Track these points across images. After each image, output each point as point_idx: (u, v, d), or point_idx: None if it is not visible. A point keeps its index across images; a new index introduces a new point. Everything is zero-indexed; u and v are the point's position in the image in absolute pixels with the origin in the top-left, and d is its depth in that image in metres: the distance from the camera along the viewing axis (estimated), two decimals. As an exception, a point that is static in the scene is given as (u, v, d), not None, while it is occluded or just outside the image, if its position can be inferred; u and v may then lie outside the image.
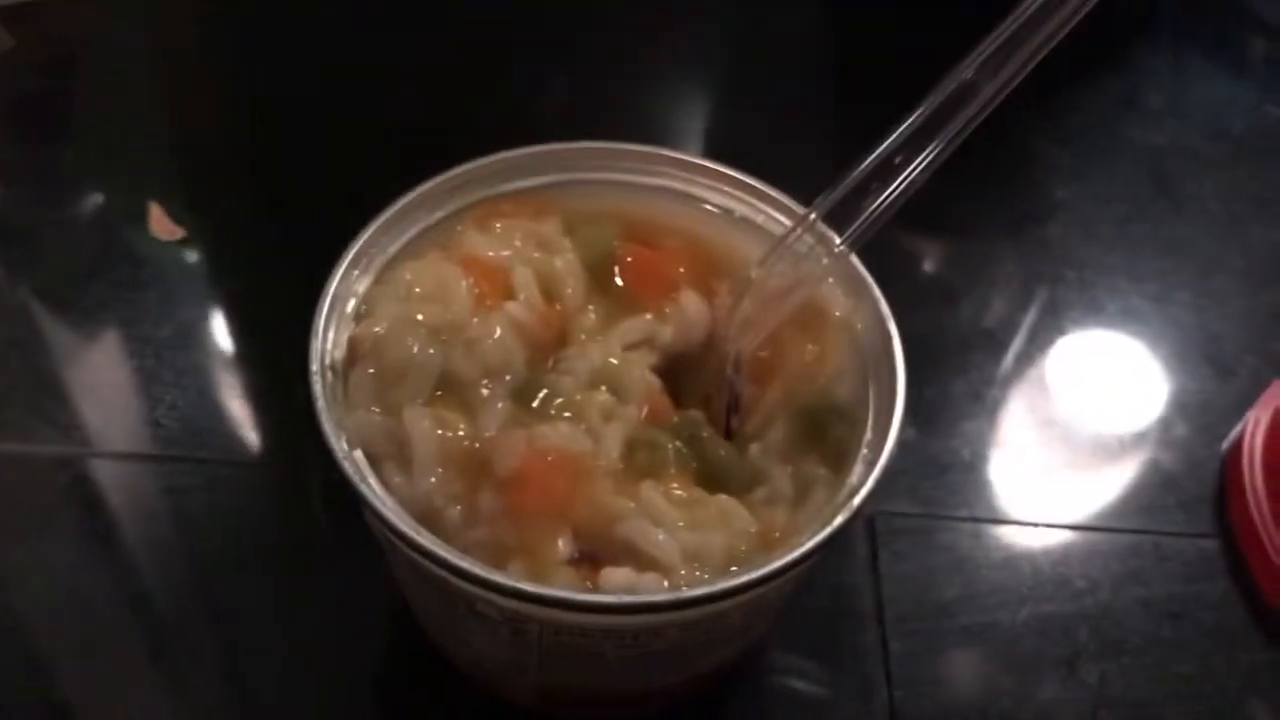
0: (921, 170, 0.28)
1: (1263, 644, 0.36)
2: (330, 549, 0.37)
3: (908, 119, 0.28)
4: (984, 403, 0.42)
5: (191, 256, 0.44)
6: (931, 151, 0.28)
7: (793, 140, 0.49)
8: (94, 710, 0.33)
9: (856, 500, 0.27)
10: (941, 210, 0.48)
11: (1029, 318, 0.45)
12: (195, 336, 0.42)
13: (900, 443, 0.39)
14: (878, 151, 0.29)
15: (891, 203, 0.29)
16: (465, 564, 0.25)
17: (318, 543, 0.37)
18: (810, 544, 0.26)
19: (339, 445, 0.26)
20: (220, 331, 0.42)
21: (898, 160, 0.29)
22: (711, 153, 0.33)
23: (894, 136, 0.28)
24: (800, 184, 0.31)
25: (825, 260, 0.30)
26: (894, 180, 0.29)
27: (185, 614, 0.35)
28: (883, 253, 0.45)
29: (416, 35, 0.55)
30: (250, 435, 0.39)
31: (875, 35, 0.56)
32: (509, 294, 0.30)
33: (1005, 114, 0.51)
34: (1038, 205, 0.50)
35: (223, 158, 0.50)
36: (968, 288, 0.46)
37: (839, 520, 0.26)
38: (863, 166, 0.29)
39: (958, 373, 0.43)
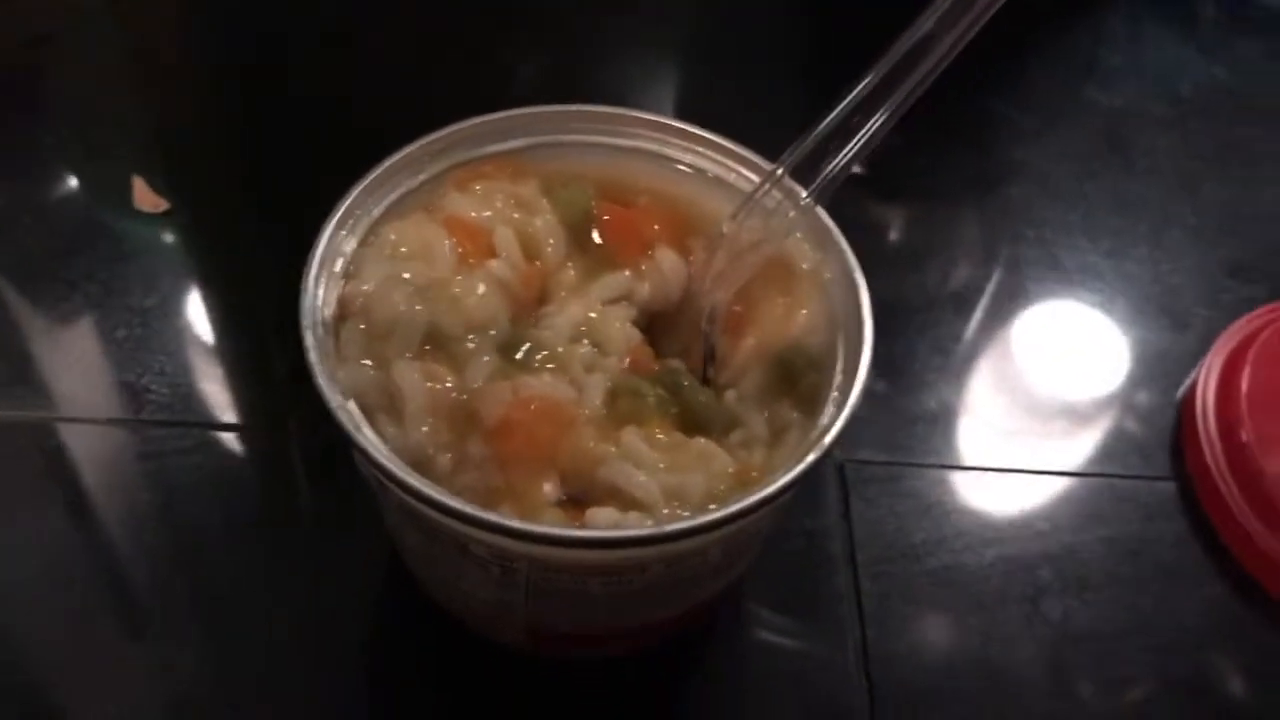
0: (881, 124, 0.30)
1: (1216, 578, 0.38)
2: (313, 508, 0.38)
3: (867, 76, 0.29)
4: (949, 357, 0.43)
5: (176, 228, 0.45)
6: (890, 106, 0.29)
7: (764, 102, 0.51)
8: (77, 676, 0.34)
9: (827, 439, 0.28)
10: (906, 175, 0.50)
11: (992, 276, 0.47)
12: (180, 306, 0.42)
13: (870, 396, 0.41)
14: (840, 108, 0.30)
15: (854, 156, 0.30)
16: (456, 504, 0.26)
17: (301, 503, 0.39)
18: (784, 480, 0.27)
19: (333, 396, 0.28)
20: (205, 300, 0.43)
21: (858, 116, 0.30)
22: (684, 116, 0.34)
23: (854, 93, 0.30)
24: (771, 144, 0.32)
25: (792, 214, 0.31)
26: (856, 135, 0.30)
27: (170, 575, 0.36)
28: (852, 218, 0.47)
29: (393, 6, 0.56)
30: (235, 400, 0.40)
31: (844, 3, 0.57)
32: (491, 253, 0.32)
33: (965, 77, 0.52)
34: (998, 167, 0.52)
35: (204, 130, 0.50)
36: (933, 250, 0.48)
37: (811, 458, 0.28)
38: (826, 123, 0.30)
39: (924, 330, 0.44)
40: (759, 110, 0.48)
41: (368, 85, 0.51)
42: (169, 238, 0.45)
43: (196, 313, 0.43)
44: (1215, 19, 0.60)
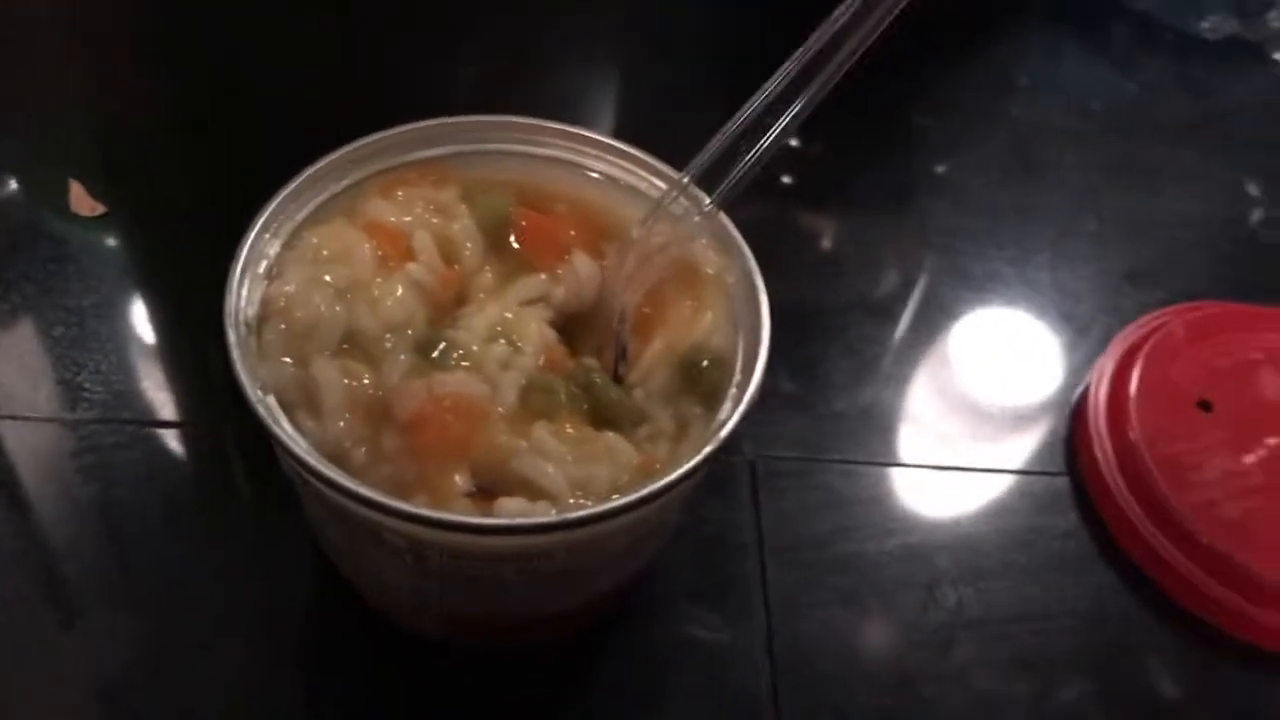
0: (780, 133, 0.31)
1: (1104, 568, 0.41)
2: (248, 503, 0.40)
3: (767, 87, 0.31)
4: (859, 358, 0.45)
5: (113, 231, 0.46)
6: (789, 116, 0.31)
7: (687, 115, 0.52)
8: (9, 664, 0.35)
9: (724, 432, 0.30)
10: (826, 186, 0.52)
11: (901, 283, 0.49)
12: (117, 306, 0.44)
13: (782, 397, 0.43)
14: (741, 117, 0.32)
15: (754, 163, 0.32)
16: (369, 493, 0.28)
17: (234, 498, 0.40)
18: (681, 470, 0.29)
19: (253, 391, 0.29)
20: (141, 301, 0.44)
21: (761, 123, 0.32)
22: (612, 128, 0.36)
23: (755, 102, 0.31)
24: (693, 151, 0.34)
25: (697, 219, 0.33)
26: (757, 143, 0.32)
27: (104, 567, 0.37)
28: (770, 226, 0.49)
29: (327, 17, 0.57)
30: (171, 398, 0.41)
31: (766, 16, 0.59)
32: (410, 256, 0.33)
33: (888, 92, 0.55)
34: (916, 179, 0.54)
35: (142, 134, 0.51)
36: (847, 258, 0.50)
37: (707, 450, 0.29)
38: (728, 132, 0.32)
39: (834, 334, 0.46)
40: (684, 124, 0.50)
41: (306, 90, 0.52)
42: (106, 241, 0.46)
43: (133, 313, 0.44)
44: (1129, 39, 0.63)
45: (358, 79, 0.53)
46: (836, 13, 0.31)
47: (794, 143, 0.55)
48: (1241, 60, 0.62)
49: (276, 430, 0.29)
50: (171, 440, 0.40)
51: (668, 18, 0.61)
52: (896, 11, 0.31)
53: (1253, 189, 0.55)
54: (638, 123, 0.54)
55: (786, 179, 0.53)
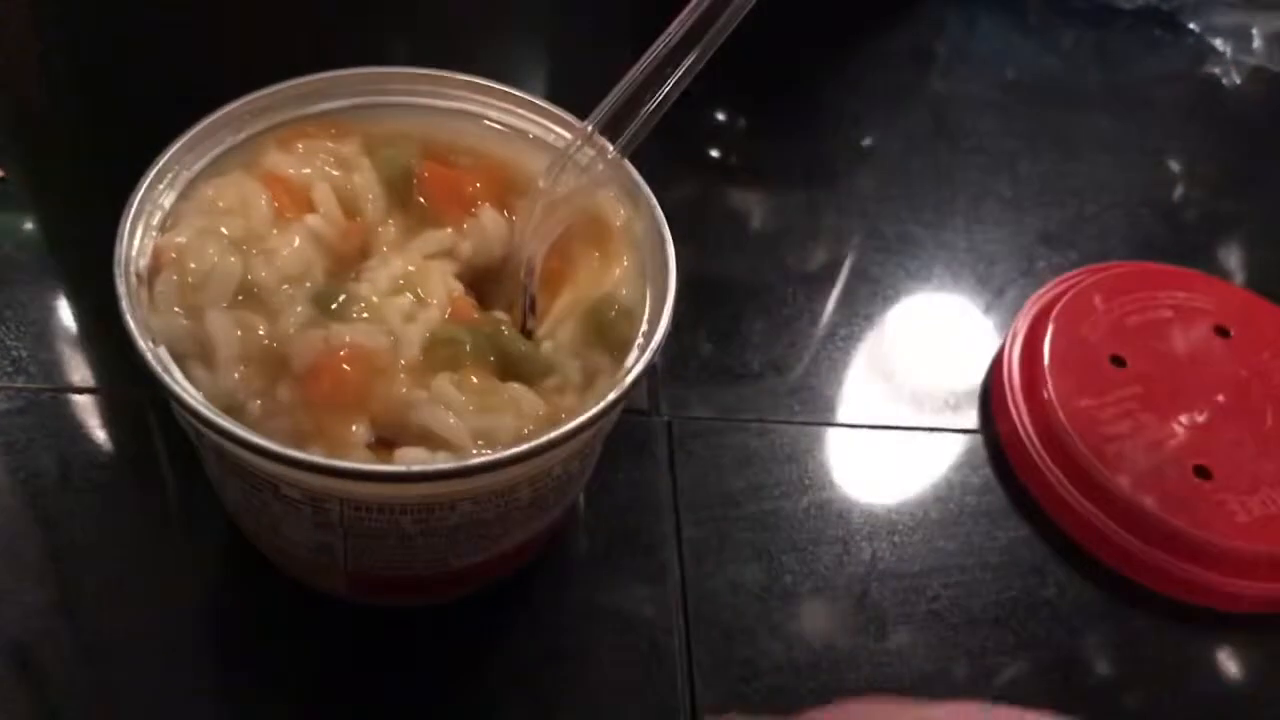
0: (681, 78, 0.31)
1: (1019, 522, 0.41)
2: (153, 467, 0.39)
3: (666, 35, 0.31)
4: (777, 322, 0.45)
5: (14, 195, 0.45)
6: (689, 60, 0.31)
7: (592, 67, 0.52)
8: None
9: (629, 379, 0.30)
10: (749, 158, 0.52)
11: (820, 250, 0.49)
12: (17, 271, 0.42)
13: (699, 358, 0.43)
14: (643, 64, 0.31)
15: (656, 109, 0.32)
16: (263, 442, 0.27)
17: (141, 462, 0.39)
18: (583, 418, 0.29)
19: (144, 342, 0.28)
20: (42, 265, 0.43)
21: (662, 72, 0.31)
22: (518, 81, 0.35)
23: (656, 49, 0.31)
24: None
25: (602, 168, 0.32)
26: (659, 90, 0.31)
27: (10, 535, 0.36)
28: (702, 202, 0.49)
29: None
30: (75, 363, 0.40)
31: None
32: (309, 209, 0.33)
33: (807, 66, 0.55)
34: (836, 149, 0.54)
35: (37, 95, 0.50)
36: (766, 226, 0.50)
37: (612, 395, 0.29)
38: (630, 79, 0.32)
39: (755, 300, 0.46)
40: (589, 72, 0.50)
41: (216, 53, 0.51)
42: (7, 205, 0.44)
43: (34, 280, 0.43)
44: (1045, 10, 0.64)
45: (270, 41, 0.52)
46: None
47: (719, 117, 0.55)
48: (1156, 30, 0.62)
49: (168, 380, 0.28)
50: (72, 406, 0.39)
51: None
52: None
53: (1165, 155, 0.56)
54: (548, 77, 0.54)
55: (712, 154, 0.53)
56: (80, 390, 0.40)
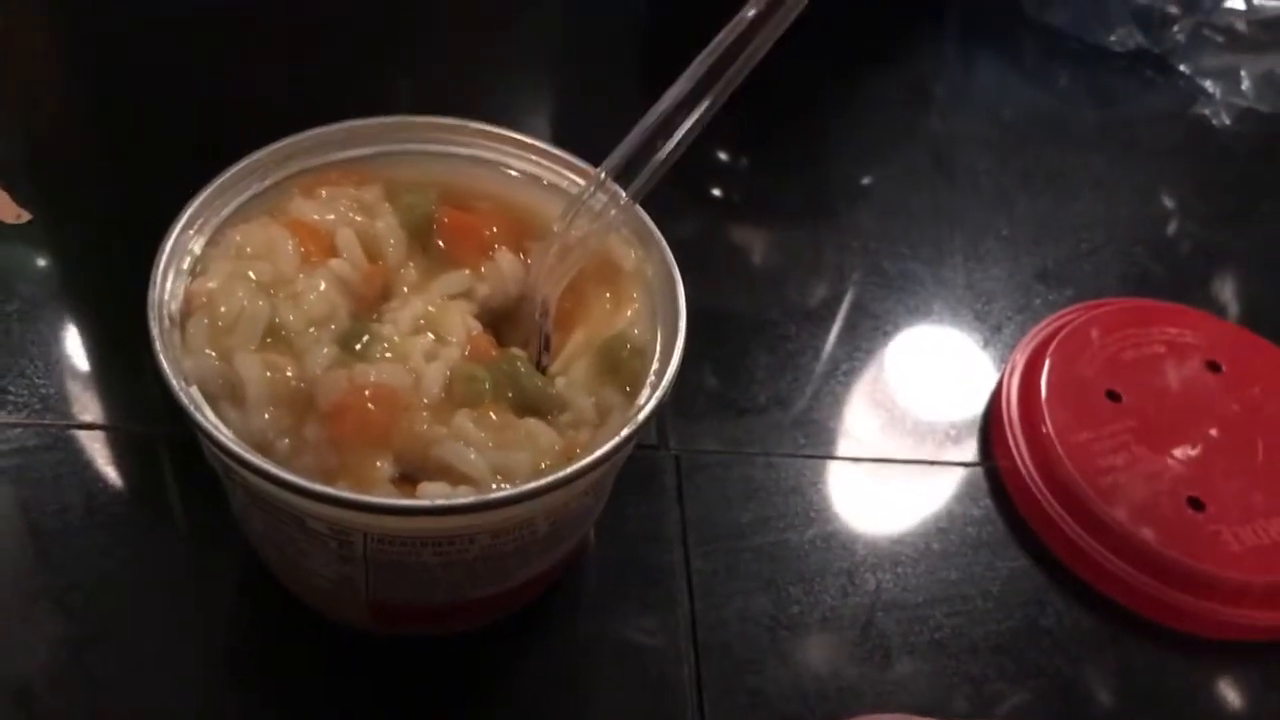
0: (693, 126, 0.32)
1: (1018, 552, 0.42)
2: (174, 503, 0.40)
3: (678, 84, 0.32)
4: (781, 357, 0.47)
5: (38, 236, 0.46)
6: (701, 108, 0.32)
7: (605, 115, 0.54)
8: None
9: (641, 415, 0.31)
10: (751, 195, 0.54)
11: (822, 286, 0.50)
12: (43, 310, 0.43)
13: (706, 393, 0.44)
14: (656, 111, 0.33)
15: (668, 157, 0.33)
16: (293, 478, 0.28)
17: (162, 498, 0.40)
18: (599, 453, 0.30)
19: (176, 381, 0.29)
20: (68, 304, 0.44)
21: (674, 119, 0.33)
22: (533, 129, 0.37)
23: (667, 100, 0.32)
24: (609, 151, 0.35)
25: (615, 213, 0.34)
26: (670, 138, 0.33)
27: (24, 568, 0.37)
28: (706, 239, 0.51)
29: (258, 25, 0.57)
30: (98, 400, 0.41)
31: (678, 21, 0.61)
32: (333, 253, 0.34)
33: (809, 105, 0.57)
34: (836, 187, 0.55)
35: (66, 141, 0.51)
36: (769, 262, 0.52)
37: (626, 431, 0.30)
38: (642, 128, 0.33)
39: (760, 334, 0.47)
40: (602, 120, 0.51)
41: (235, 98, 0.53)
42: (31, 246, 0.46)
43: (60, 318, 0.44)
44: (1040, 52, 0.65)
45: (285, 86, 0.54)
46: (741, 13, 0.33)
47: (722, 156, 0.56)
48: (1147, 71, 0.64)
49: (200, 419, 0.29)
50: (97, 442, 0.40)
51: (586, 24, 0.62)
52: (797, 12, 0.33)
53: (1158, 193, 0.58)
54: (559, 123, 0.55)
55: (715, 192, 0.55)
56: (104, 427, 0.41)
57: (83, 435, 0.40)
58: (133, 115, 0.52)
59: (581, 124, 0.55)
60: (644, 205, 0.34)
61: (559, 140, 0.37)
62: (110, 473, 0.40)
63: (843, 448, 0.44)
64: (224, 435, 0.29)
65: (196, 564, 0.38)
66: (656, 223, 0.35)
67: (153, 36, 0.56)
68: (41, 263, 0.46)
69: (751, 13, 0.32)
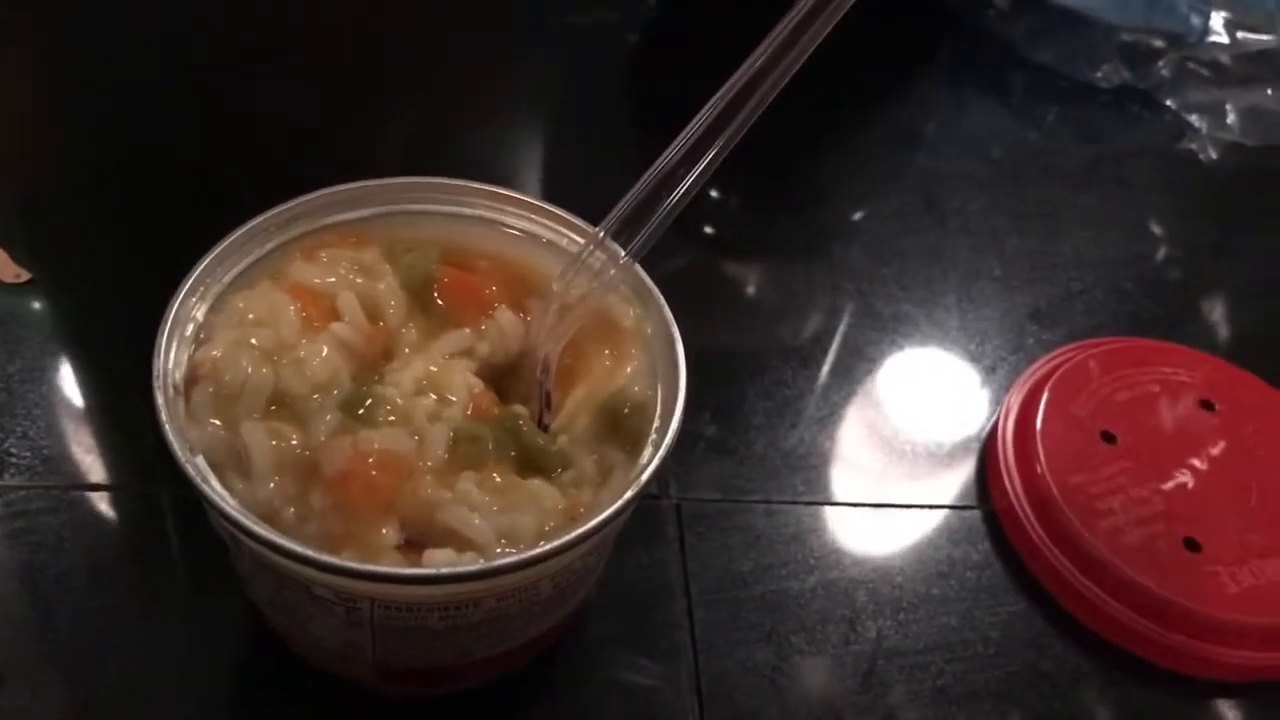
0: (688, 189, 0.33)
1: (1017, 596, 0.42)
2: (177, 565, 0.40)
3: (676, 144, 0.33)
4: (778, 401, 0.47)
5: (38, 297, 0.46)
6: (699, 168, 0.33)
7: (604, 173, 0.54)
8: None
9: (644, 476, 0.31)
10: (743, 237, 0.54)
11: (816, 327, 0.51)
12: (44, 371, 0.44)
13: (705, 441, 0.44)
14: (654, 174, 0.33)
15: (666, 216, 0.33)
16: (300, 548, 0.28)
17: (165, 560, 0.40)
18: (601, 517, 0.30)
19: (182, 452, 0.30)
20: (69, 366, 0.44)
21: (672, 178, 0.33)
22: (532, 187, 0.37)
23: (665, 160, 0.33)
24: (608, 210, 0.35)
25: (613, 272, 0.34)
26: (668, 197, 0.33)
27: (30, 631, 0.37)
28: (698, 279, 0.51)
29: (250, 85, 0.58)
30: (99, 462, 0.42)
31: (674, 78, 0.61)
32: (335, 316, 0.34)
33: (801, 145, 0.57)
34: (828, 227, 0.56)
35: (66, 202, 0.52)
36: (764, 304, 0.52)
37: (629, 494, 0.31)
38: (641, 188, 0.33)
39: (756, 378, 0.48)
40: (601, 178, 0.52)
41: (231, 156, 0.53)
42: (32, 307, 0.46)
43: (60, 378, 0.44)
44: (1027, 90, 0.66)
45: (284, 143, 0.54)
46: (737, 74, 0.33)
47: (714, 194, 0.57)
48: (1134, 106, 0.65)
49: (206, 490, 0.29)
50: (100, 504, 0.41)
51: (585, 81, 0.63)
52: (793, 73, 0.33)
53: (1148, 229, 0.58)
54: (558, 181, 0.56)
55: (708, 230, 0.55)
56: (108, 487, 0.41)
57: (86, 497, 0.40)
58: (131, 175, 0.53)
59: (573, 176, 0.55)
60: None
61: (551, 194, 0.37)
62: (114, 535, 0.40)
63: (841, 493, 0.44)
64: (230, 506, 0.29)
65: (202, 625, 0.38)
66: (651, 263, 0.35)
67: (149, 98, 0.56)
68: (43, 323, 0.46)
69: (749, 71, 0.32)
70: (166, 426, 0.30)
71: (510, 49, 0.65)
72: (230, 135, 0.55)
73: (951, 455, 0.46)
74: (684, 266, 0.52)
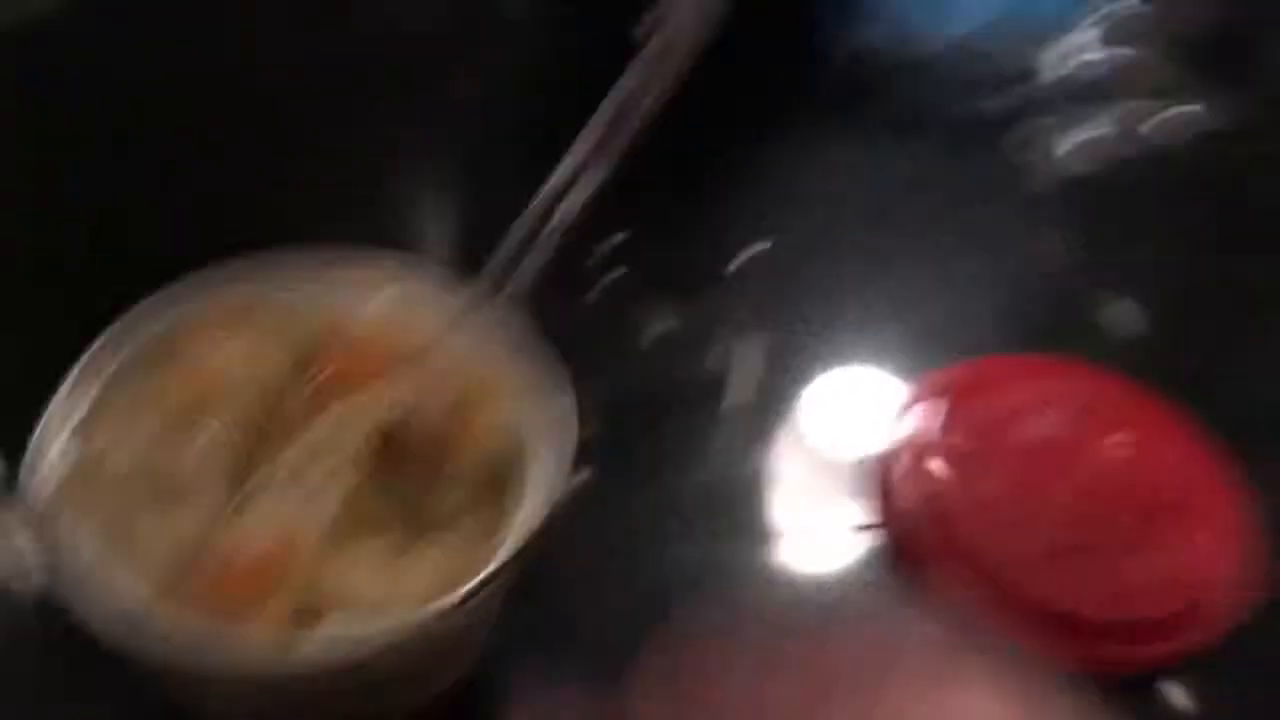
0: (565, 224, 0.34)
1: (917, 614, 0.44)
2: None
3: (546, 187, 0.34)
4: (671, 441, 0.48)
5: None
6: (565, 220, 0.34)
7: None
8: None
9: (528, 531, 0.32)
10: (651, 276, 0.55)
11: (707, 357, 0.51)
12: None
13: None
14: (526, 220, 0.35)
15: (543, 261, 0.35)
16: (174, 658, 0.30)
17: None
18: (481, 577, 0.31)
19: (55, 558, 0.30)
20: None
21: (544, 222, 0.35)
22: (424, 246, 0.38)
23: (532, 207, 0.35)
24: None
25: (494, 326, 0.35)
26: (543, 242, 0.35)
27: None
28: (600, 322, 0.51)
29: (150, 143, 0.58)
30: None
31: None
32: (221, 396, 0.35)
33: (689, 177, 0.57)
34: (720, 257, 0.57)
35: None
36: (673, 342, 0.53)
37: (508, 550, 0.32)
38: (512, 240, 0.35)
39: (644, 417, 0.49)
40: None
41: (124, 221, 0.54)
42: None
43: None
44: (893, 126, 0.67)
45: (157, 221, 0.55)
46: (601, 110, 0.34)
47: (622, 236, 0.57)
48: (1021, 130, 0.66)
49: (74, 604, 0.30)
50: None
51: (483, 133, 0.64)
52: (659, 105, 0.35)
53: (1038, 248, 0.60)
54: (454, 236, 0.57)
55: (597, 270, 0.56)
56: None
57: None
58: (47, 227, 0.53)
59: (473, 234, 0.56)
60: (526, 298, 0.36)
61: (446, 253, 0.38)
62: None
63: (745, 524, 0.46)
64: (103, 622, 0.30)
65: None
66: (537, 306, 0.36)
67: (44, 160, 0.57)
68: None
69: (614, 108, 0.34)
70: (39, 531, 0.31)
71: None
72: (123, 202, 0.55)
73: (849, 481, 0.47)
74: (585, 311, 0.53)
